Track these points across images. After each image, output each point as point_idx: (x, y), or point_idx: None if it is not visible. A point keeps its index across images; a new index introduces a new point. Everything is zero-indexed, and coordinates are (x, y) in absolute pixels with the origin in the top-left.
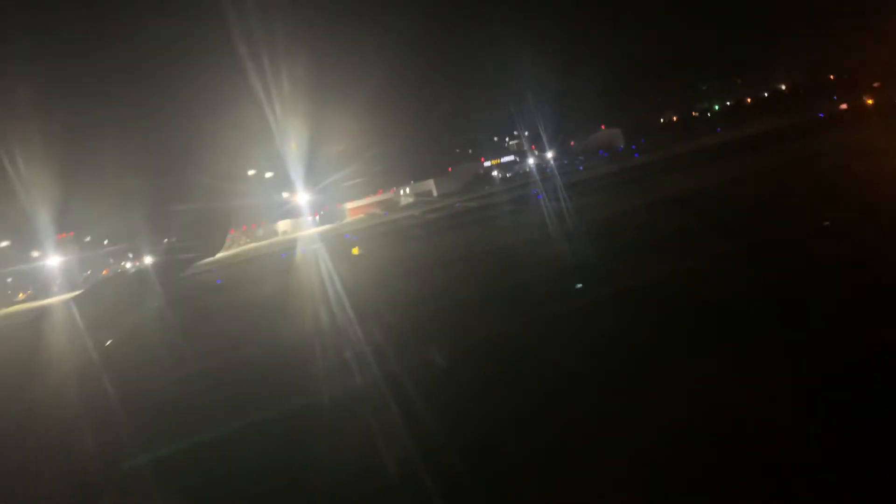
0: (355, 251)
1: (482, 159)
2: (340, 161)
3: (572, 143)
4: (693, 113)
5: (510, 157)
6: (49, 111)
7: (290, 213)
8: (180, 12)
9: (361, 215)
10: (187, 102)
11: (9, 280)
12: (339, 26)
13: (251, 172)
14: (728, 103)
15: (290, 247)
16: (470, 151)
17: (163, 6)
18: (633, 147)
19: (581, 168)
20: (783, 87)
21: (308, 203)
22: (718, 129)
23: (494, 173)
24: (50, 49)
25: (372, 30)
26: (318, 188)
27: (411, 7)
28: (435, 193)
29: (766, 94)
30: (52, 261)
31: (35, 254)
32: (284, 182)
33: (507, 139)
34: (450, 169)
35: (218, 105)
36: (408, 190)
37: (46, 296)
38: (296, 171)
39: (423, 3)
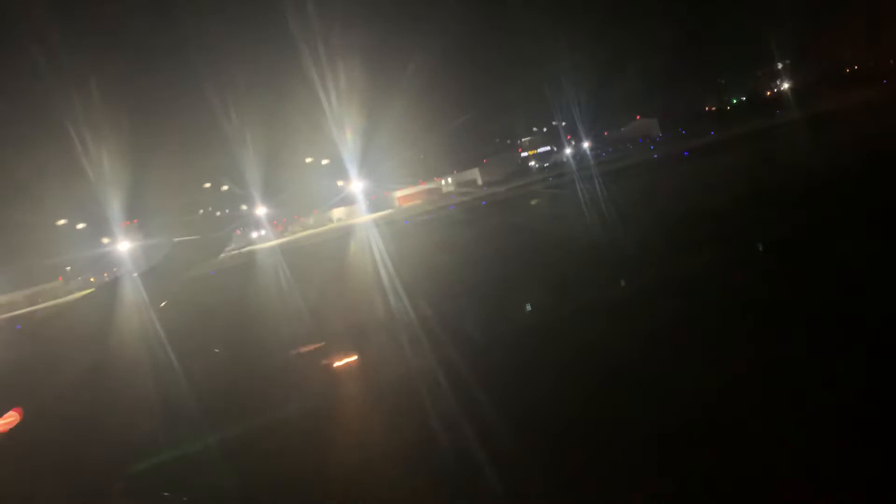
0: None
1: (519, 150)
2: (391, 150)
3: (606, 133)
4: (707, 107)
5: (546, 148)
6: (118, 104)
7: (344, 200)
8: (242, 8)
9: (418, 202)
10: (248, 95)
11: (67, 268)
12: (384, 19)
13: (308, 160)
14: (744, 98)
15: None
16: (508, 142)
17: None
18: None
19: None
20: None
21: (362, 191)
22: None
23: (531, 163)
24: (118, 45)
25: (416, 20)
26: (370, 177)
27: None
28: (480, 182)
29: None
30: (122, 246)
31: (105, 240)
32: (338, 170)
33: (544, 129)
34: (485, 160)
35: (276, 97)
36: (449, 180)
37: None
38: (350, 159)
39: None
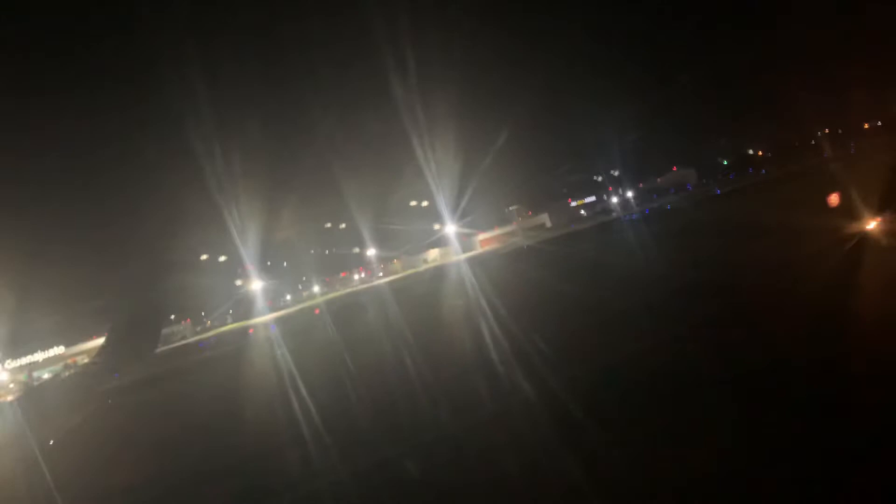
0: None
1: (569, 199)
2: (474, 201)
3: (641, 184)
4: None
5: (592, 198)
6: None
7: (440, 242)
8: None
9: (497, 244)
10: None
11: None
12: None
13: (413, 203)
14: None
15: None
16: (564, 191)
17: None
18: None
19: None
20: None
21: (453, 234)
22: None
23: (581, 212)
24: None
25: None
26: (458, 222)
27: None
28: (549, 225)
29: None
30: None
31: (238, 283)
32: (432, 216)
33: (597, 178)
34: (530, 213)
35: (380, 150)
36: (515, 225)
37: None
38: (444, 206)
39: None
